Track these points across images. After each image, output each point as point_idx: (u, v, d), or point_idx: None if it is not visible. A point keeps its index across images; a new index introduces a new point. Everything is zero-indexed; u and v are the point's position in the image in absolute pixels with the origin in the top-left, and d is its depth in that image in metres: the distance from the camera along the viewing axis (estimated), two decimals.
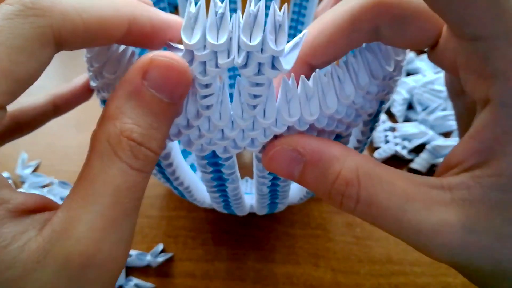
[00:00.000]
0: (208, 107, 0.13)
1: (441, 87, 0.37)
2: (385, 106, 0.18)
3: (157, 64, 0.12)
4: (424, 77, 0.38)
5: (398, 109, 0.37)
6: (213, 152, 0.16)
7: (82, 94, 0.25)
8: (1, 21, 0.11)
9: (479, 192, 0.13)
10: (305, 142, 0.14)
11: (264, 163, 0.15)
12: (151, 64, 0.12)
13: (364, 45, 0.16)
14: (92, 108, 0.39)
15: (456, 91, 0.18)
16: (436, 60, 0.15)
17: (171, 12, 0.29)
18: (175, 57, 0.12)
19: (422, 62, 0.41)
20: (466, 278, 0.14)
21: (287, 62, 0.12)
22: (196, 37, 0.12)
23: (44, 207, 0.12)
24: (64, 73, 0.45)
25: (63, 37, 0.11)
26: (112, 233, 0.12)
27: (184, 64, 0.12)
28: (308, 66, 0.17)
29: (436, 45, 0.15)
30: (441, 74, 0.38)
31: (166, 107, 0.12)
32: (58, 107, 0.24)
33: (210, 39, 0.12)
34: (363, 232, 0.29)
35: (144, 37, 0.14)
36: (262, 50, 0.12)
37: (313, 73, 0.14)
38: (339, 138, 0.16)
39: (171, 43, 0.14)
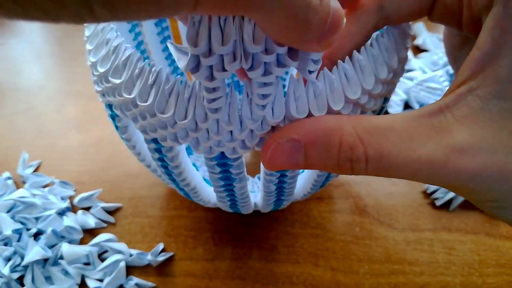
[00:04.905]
0: (216, 110, 0.13)
1: (437, 85, 0.37)
2: (387, 104, 0.19)
3: None
4: (422, 74, 0.39)
5: (395, 110, 0.37)
6: (222, 153, 0.16)
7: None
8: None
9: (478, 105, 0.11)
10: (296, 127, 0.13)
11: (266, 165, 0.14)
12: None
13: (368, 42, 0.16)
14: (92, 109, 0.40)
15: (456, 45, 0.17)
16: (437, 15, 0.15)
17: None
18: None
19: (419, 61, 0.41)
20: (477, 205, 0.13)
21: None
22: (201, 42, 0.12)
23: None
24: (64, 73, 0.45)
25: None
26: None
27: None
28: (328, 61, 0.17)
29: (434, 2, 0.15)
30: (438, 72, 0.38)
31: None
32: None
33: (216, 43, 0.12)
34: (362, 232, 0.29)
35: None
36: (266, 50, 0.12)
37: (321, 71, 0.14)
38: None
39: (176, 45, 0.14)
